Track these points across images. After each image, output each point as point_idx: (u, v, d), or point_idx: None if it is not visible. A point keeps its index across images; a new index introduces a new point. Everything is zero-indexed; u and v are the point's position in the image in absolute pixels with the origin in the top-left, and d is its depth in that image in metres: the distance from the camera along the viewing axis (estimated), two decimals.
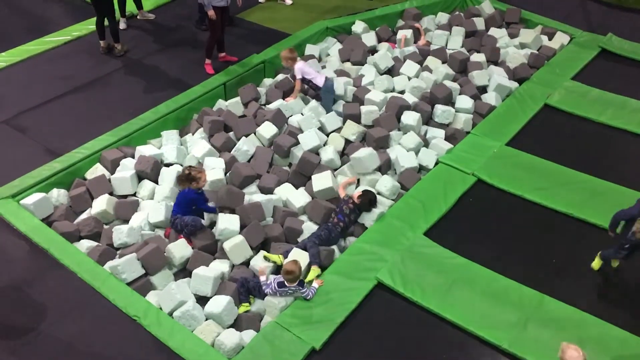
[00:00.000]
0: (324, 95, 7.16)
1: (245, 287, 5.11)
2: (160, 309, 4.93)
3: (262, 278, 5.16)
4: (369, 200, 5.74)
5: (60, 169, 6.22)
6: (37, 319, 4.77)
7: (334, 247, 5.57)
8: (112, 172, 6.33)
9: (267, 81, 7.92)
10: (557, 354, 3.83)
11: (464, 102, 7.28)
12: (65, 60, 8.22)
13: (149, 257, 5.23)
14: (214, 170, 6.19)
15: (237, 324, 4.95)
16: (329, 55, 8.54)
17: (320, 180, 6.00)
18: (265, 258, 5.42)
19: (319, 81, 7.11)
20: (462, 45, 8.55)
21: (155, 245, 5.33)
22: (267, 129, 6.70)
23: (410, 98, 7.28)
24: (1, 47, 8.34)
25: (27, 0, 9.74)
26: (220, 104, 7.44)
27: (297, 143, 6.60)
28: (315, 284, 5.06)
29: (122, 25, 8.83)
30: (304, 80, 7.18)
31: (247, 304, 5.12)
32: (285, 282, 4.94)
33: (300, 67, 7.13)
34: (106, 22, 8.16)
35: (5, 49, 8.29)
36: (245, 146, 6.53)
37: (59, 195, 6.01)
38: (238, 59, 8.06)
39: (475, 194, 6.10)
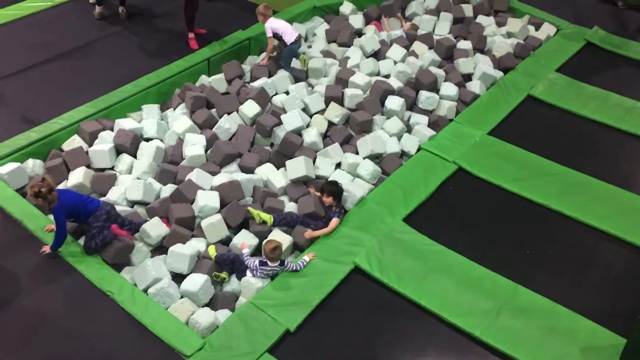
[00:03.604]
0: (285, 55, 7.31)
1: (229, 263, 5.11)
2: (135, 285, 4.89)
3: (245, 251, 5.19)
4: (338, 195, 5.59)
5: (37, 139, 6.08)
6: (9, 290, 4.70)
7: None
8: (90, 144, 6.21)
9: (252, 59, 7.81)
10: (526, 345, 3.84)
11: (449, 89, 7.27)
12: (45, 27, 8.01)
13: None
14: (195, 146, 6.12)
15: (212, 303, 4.93)
16: (315, 35, 8.45)
17: (294, 167, 5.95)
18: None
19: (288, 38, 7.18)
20: (450, 31, 8.52)
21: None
22: (250, 108, 6.63)
23: (395, 83, 7.25)
24: None
25: None
26: (203, 79, 7.33)
27: (280, 123, 6.54)
28: (306, 257, 5.11)
29: None
30: (275, 36, 7.24)
31: (226, 274, 5.10)
32: (269, 262, 4.98)
33: (269, 25, 7.21)
34: None
35: None
36: (227, 124, 6.46)
37: (34, 165, 5.89)
38: (219, 33, 7.90)
39: (455, 182, 6.12)
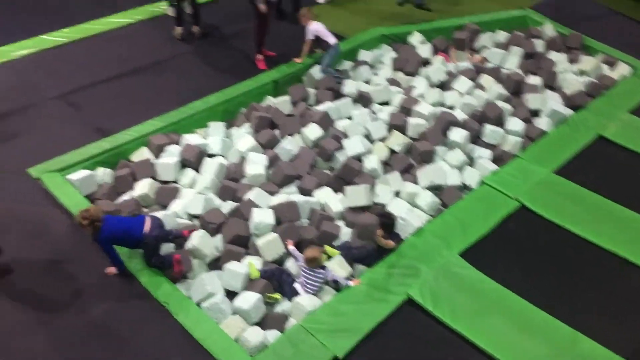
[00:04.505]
0: (330, 53, 7.58)
1: (278, 279, 5.21)
2: (190, 298, 4.98)
3: (291, 247, 5.39)
4: (389, 227, 5.49)
5: (108, 149, 6.36)
6: (71, 295, 4.89)
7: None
8: (157, 157, 6.43)
9: (316, 82, 7.81)
10: None
11: (515, 124, 7.13)
12: (124, 42, 8.39)
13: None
14: (256, 165, 6.23)
15: (263, 323, 4.96)
16: (381, 62, 8.48)
17: (355, 195, 5.97)
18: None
19: (332, 40, 7.55)
20: (519, 66, 8.37)
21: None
22: (313, 131, 6.70)
23: (459, 114, 7.18)
24: (64, 22, 8.56)
25: None
26: (269, 100, 7.48)
27: (341, 147, 6.58)
28: (350, 283, 5.12)
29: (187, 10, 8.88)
30: (317, 40, 7.55)
31: (279, 295, 5.15)
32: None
33: (315, 28, 7.54)
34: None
35: (67, 25, 8.51)
36: (289, 145, 6.55)
37: (104, 174, 6.14)
38: (287, 55, 8.02)
39: (516, 219, 5.95)
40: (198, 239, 5.33)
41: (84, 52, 8.10)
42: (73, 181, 5.85)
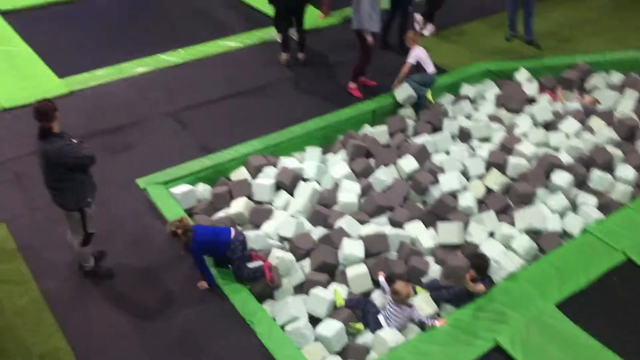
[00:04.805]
0: (424, 75, 7.60)
1: (363, 309, 5.20)
2: (274, 319, 5.04)
3: (381, 278, 5.38)
4: (482, 270, 5.27)
5: (209, 166, 6.63)
6: (164, 304, 5.11)
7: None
8: (254, 177, 6.62)
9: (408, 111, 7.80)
10: None
11: (626, 171, 6.70)
12: (234, 65, 8.79)
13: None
14: (349, 193, 6.26)
15: (343, 353, 4.92)
16: (484, 98, 8.29)
17: (447, 232, 5.84)
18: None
19: (430, 69, 7.60)
20: (634, 110, 7.87)
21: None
22: (408, 163, 6.65)
23: (565, 157, 6.86)
24: (180, 44, 9.11)
25: (209, 4, 10.61)
26: (367, 129, 7.51)
27: (437, 182, 6.47)
28: (437, 323, 5.00)
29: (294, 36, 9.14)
30: (417, 67, 7.55)
31: (362, 325, 5.12)
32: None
33: (418, 54, 7.54)
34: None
35: (183, 46, 9.05)
36: (383, 176, 6.53)
37: (204, 190, 6.40)
38: (388, 86, 8.04)
39: (621, 274, 5.56)
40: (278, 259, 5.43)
41: (195, 72, 8.56)
42: (175, 194, 6.15)
